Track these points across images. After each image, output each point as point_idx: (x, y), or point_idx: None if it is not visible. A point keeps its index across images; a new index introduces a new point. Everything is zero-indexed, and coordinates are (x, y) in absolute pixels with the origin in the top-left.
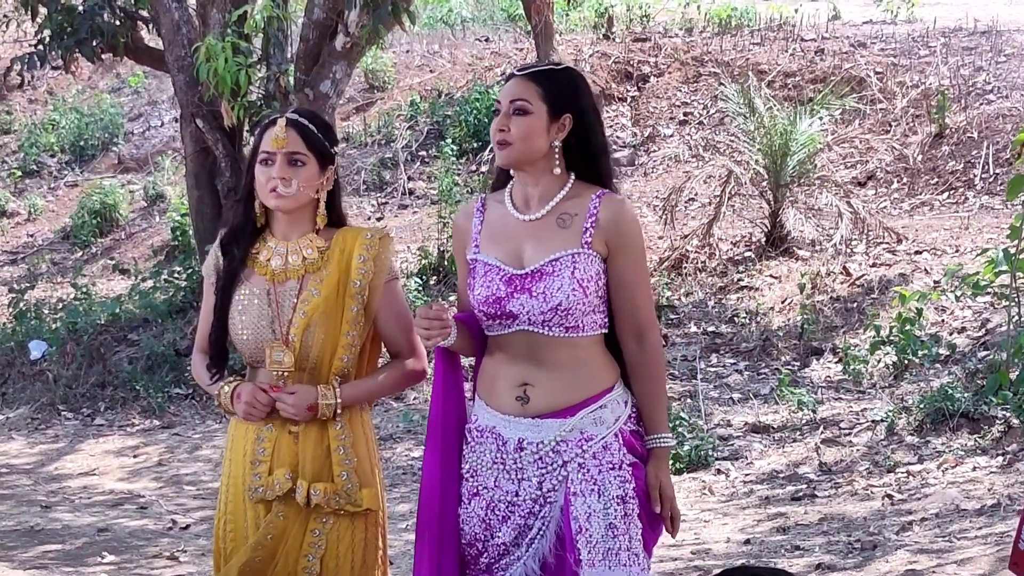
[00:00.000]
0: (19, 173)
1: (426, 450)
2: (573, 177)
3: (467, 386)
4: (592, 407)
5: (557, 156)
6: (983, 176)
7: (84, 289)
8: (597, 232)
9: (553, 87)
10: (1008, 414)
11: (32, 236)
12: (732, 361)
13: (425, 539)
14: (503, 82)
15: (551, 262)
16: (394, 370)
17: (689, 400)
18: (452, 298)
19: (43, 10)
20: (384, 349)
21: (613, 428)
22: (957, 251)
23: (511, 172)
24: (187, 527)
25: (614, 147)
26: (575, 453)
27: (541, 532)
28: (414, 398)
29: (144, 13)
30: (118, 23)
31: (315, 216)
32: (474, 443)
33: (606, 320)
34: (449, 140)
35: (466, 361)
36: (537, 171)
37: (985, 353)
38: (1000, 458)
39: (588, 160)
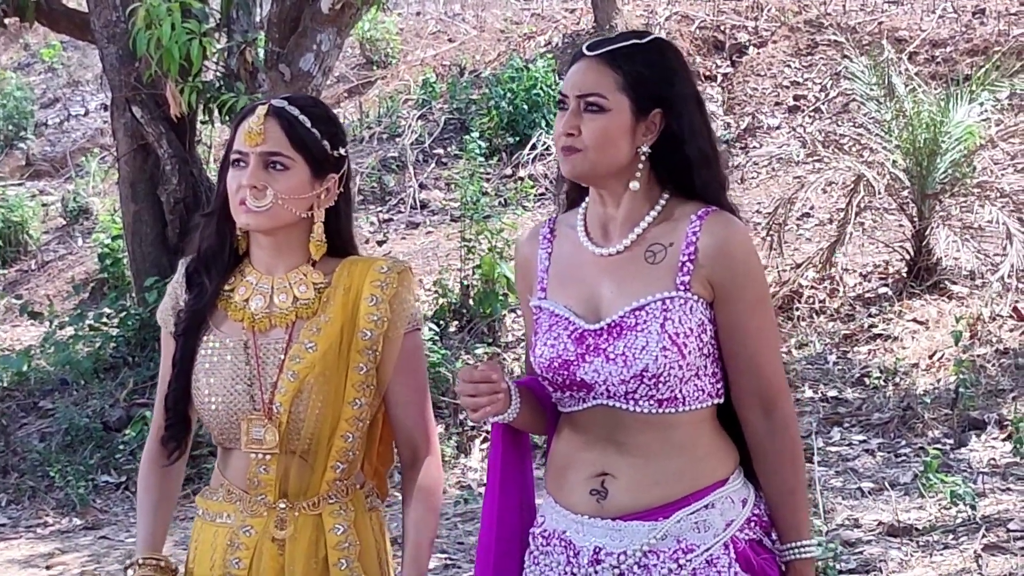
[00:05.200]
0: None
1: (477, 564)
2: (667, 194)
3: (539, 473)
4: (694, 506)
5: (642, 166)
6: None
7: None
8: (697, 267)
9: (638, 72)
10: None
11: None
12: (861, 438)
13: None
14: (565, 63)
15: (634, 312)
16: (425, 497)
17: (808, 490)
18: (480, 351)
19: None
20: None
21: (723, 536)
22: None
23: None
24: None
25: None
26: (668, 568)
27: None
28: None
29: None
30: None
31: (307, 240)
32: (538, 553)
33: (719, 387)
34: (475, 134)
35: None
36: (618, 186)
37: None
38: None
39: (687, 169)
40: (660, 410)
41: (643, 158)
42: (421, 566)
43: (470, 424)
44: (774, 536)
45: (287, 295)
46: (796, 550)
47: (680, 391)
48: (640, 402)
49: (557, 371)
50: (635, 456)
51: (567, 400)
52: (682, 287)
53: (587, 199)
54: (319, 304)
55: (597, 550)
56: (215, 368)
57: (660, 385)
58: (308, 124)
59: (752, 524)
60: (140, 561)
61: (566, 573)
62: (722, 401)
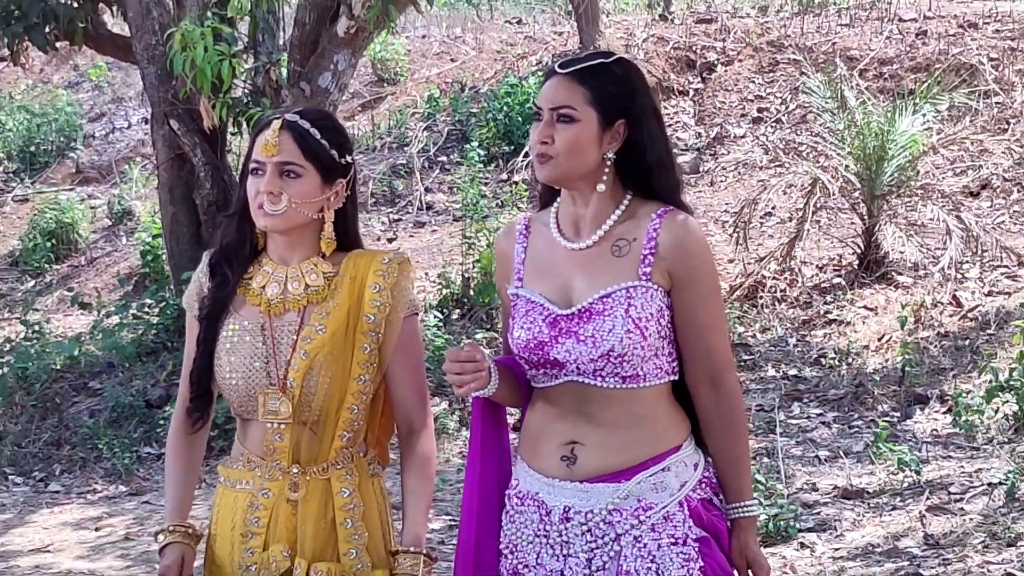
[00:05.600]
0: None
1: (462, 523)
2: (630, 195)
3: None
4: (652, 470)
5: (608, 170)
6: None
7: (36, 327)
8: (657, 260)
9: (604, 87)
10: None
11: None
12: (818, 411)
13: None
14: (542, 78)
15: (601, 299)
16: (420, 467)
17: (766, 459)
18: (480, 336)
19: None
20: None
21: (678, 495)
22: None
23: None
24: None
25: (675, 151)
26: (630, 524)
27: None
28: (441, 459)
29: None
30: (76, 5)
31: (318, 238)
32: (514, 512)
33: (675, 365)
34: (475, 143)
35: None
36: (586, 188)
37: None
38: None
39: (648, 173)
40: (624, 385)
41: (609, 163)
42: (420, 526)
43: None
44: (721, 496)
45: (299, 283)
46: (740, 509)
47: (641, 369)
48: (606, 378)
49: (533, 351)
50: (601, 426)
51: (541, 377)
52: (644, 277)
53: (559, 199)
54: (328, 291)
55: (567, 509)
56: (235, 348)
57: (624, 363)
58: (318, 135)
59: (703, 485)
60: (170, 528)
61: (539, 530)
62: (677, 378)
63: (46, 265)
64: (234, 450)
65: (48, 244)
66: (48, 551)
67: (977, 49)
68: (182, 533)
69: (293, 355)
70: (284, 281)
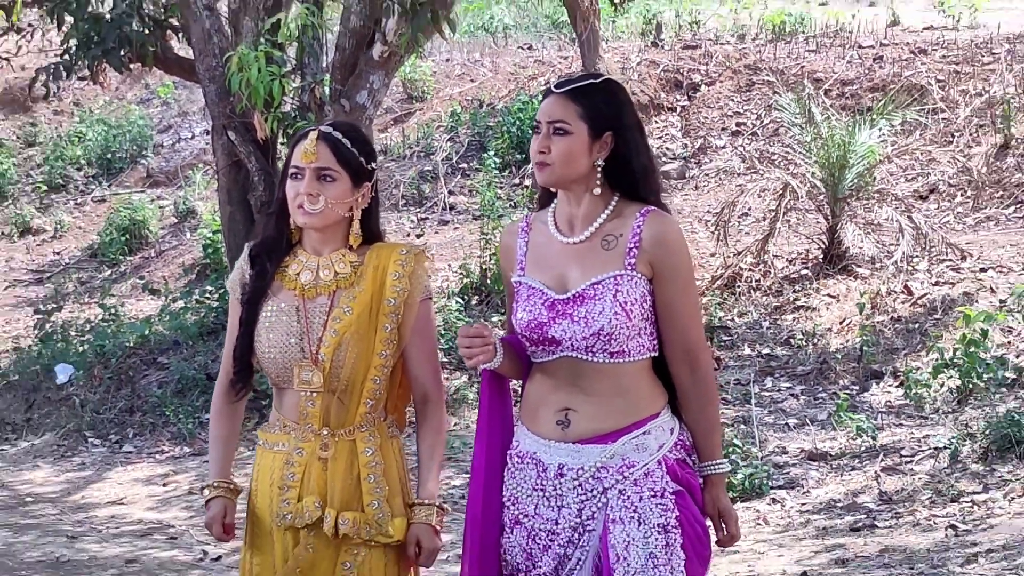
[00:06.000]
0: (44, 188)
1: (471, 479)
2: (617, 196)
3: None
4: (635, 433)
5: (599, 175)
6: None
7: (112, 310)
8: (641, 253)
9: (593, 104)
10: None
11: (58, 254)
12: (788, 385)
13: (473, 569)
14: (541, 97)
15: (592, 285)
16: (433, 431)
17: (743, 426)
18: (496, 319)
19: (69, 19)
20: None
21: (656, 455)
22: None
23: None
24: (218, 558)
25: (663, 159)
26: (616, 480)
27: (580, 563)
28: (455, 424)
29: (174, 22)
30: (147, 32)
31: (348, 234)
32: (515, 469)
33: (655, 343)
34: (491, 152)
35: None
36: (579, 191)
37: None
38: None
39: (632, 178)
40: (611, 360)
41: (598, 169)
42: (432, 482)
43: None
44: (694, 456)
45: (330, 271)
46: (712, 467)
47: (626, 346)
48: (596, 354)
49: (533, 330)
50: (591, 395)
51: (540, 353)
52: (629, 267)
53: (556, 200)
54: (355, 278)
55: (561, 466)
56: (273, 326)
57: (612, 341)
58: (349, 145)
59: (678, 447)
60: (214, 484)
61: (537, 484)
62: (657, 354)
63: (121, 257)
64: (271, 417)
65: (122, 239)
66: (122, 503)
67: (926, 72)
68: (225, 488)
69: (324, 333)
70: (316, 269)
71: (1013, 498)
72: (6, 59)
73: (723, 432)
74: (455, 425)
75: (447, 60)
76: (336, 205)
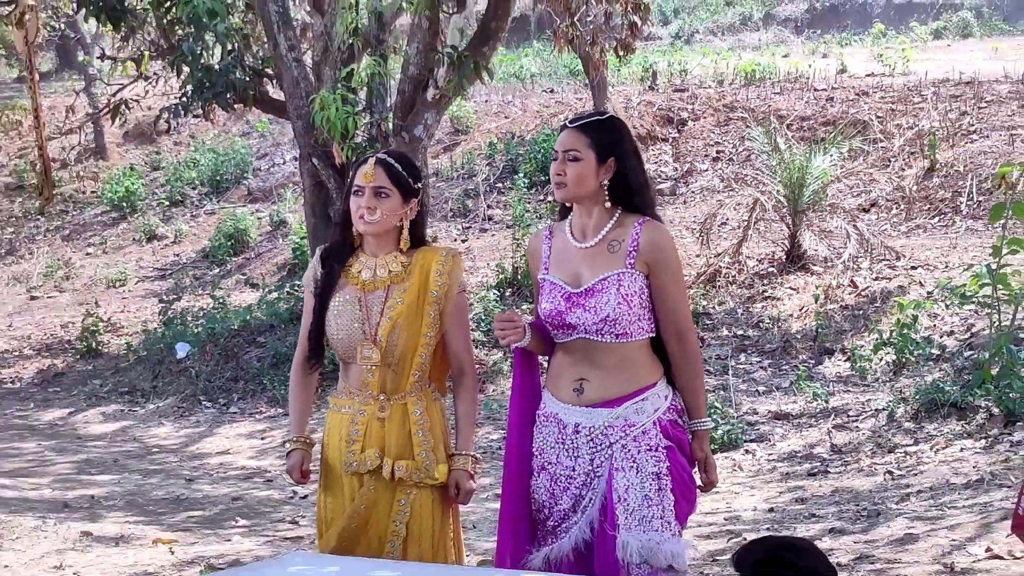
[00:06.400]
0: (166, 203)
1: (508, 434)
2: (620, 210)
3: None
4: (635, 399)
5: (605, 193)
6: (968, 203)
7: (220, 300)
8: (639, 255)
9: (599, 136)
10: (990, 404)
11: (178, 256)
12: (757, 360)
13: (508, 506)
14: (559, 131)
15: (600, 281)
16: (468, 397)
17: (722, 392)
18: (525, 307)
19: (186, 69)
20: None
21: (652, 417)
22: (947, 267)
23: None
24: (305, 497)
25: (658, 179)
26: (619, 436)
27: (591, 501)
28: (493, 390)
29: (269, 71)
30: (247, 79)
31: (399, 238)
32: (541, 426)
33: (652, 326)
34: (521, 174)
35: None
36: (590, 205)
37: (970, 353)
38: (983, 441)
39: (631, 195)
40: (616, 340)
41: (604, 188)
42: (468, 436)
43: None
44: (684, 417)
45: (385, 270)
46: (698, 424)
47: (629, 329)
48: (604, 336)
49: (554, 317)
50: (601, 369)
51: (560, 335)
52: (629, 266)
53: (571, 213)
54: (405, 275)
55: (577, 425)
56: (340, 314)
57: (616, 325)
58: (400, 168)
59: (671, 410)
60: (293, 438)
61: (558, 439)
62: (654, 335)
63: (227, 258)
64: (339, 385)
65: (228, 243)
66: (228, 453)
67: (868, 109)
68: (302, 442)
69: (381, 319)
70: (374, 268)
71: (938, 449)
72: (136, 101)
73: (707, 396)
74: (493, 391)
75: (486, 101)
76: (389, 216)
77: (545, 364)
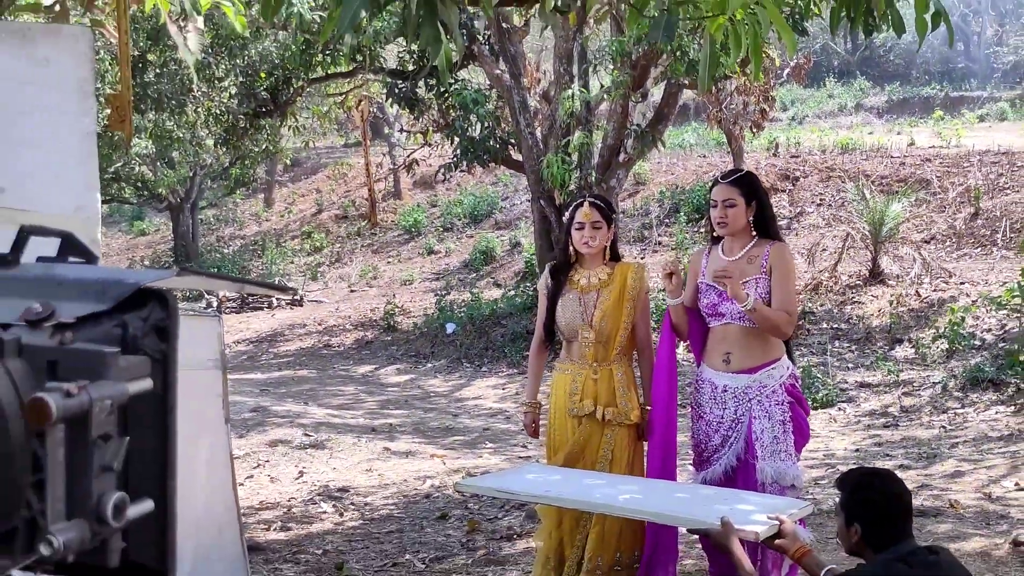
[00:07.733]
0: (441, 229)
1: (654, 383)
2: (757, 235)
3: (679, 351)
4: (767, 368)
5: (751, 225)
6: (1003, 239)
7: (476, 295)
8: (769, 264)
9: (746, 187)
10: (1018, 380)
11: (447, 265)
12: (847, 345)
13: (656, 441)
14: (712, 184)
15: (743, 284)
16: (648, 365)
17: (822, 367)
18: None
19: (456, 139)
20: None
21: (779, 381)
22: (986, 283)
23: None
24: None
25: (779, 218)
26: (756, 394)
27: (736, 439)
28: None
29: (512, 141)
30: (498, 146)
31: (604, 255)
32: (700, 387)
33: None
34: (681, 214)
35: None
36: (742, 235)
37: (1003, 344)
38: (1013, 407)
39: (765, 225)
40: (753, 326)
41: (751, 223)
42: (648, 393)
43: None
44: (799, 382)
45: (596, 278)
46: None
47: None
48: (745, 322)
49: (710, 308)
50: (741, 346)
51: (714, 320)
52: (763, 273)
53: (723, 240)
54: (609, 281)
55: (725, 386)
56: (566, 309)
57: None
58: (604, 206)
59: (791, 377)
60: (528, 402)
61: (711, 396)
62: None
63: (481, 267)
64: (562, 355)
65: (482, 257)
66: (480, 399)
67: (930, 171)
68: (535, 405)
69: (595, 311)
70: (589, 277)
71: (979, 412)
72: (423, 160)
73: (808, 370)
74: None
75: (658, 162)
76: (602, 241)
77: (681, 348)
